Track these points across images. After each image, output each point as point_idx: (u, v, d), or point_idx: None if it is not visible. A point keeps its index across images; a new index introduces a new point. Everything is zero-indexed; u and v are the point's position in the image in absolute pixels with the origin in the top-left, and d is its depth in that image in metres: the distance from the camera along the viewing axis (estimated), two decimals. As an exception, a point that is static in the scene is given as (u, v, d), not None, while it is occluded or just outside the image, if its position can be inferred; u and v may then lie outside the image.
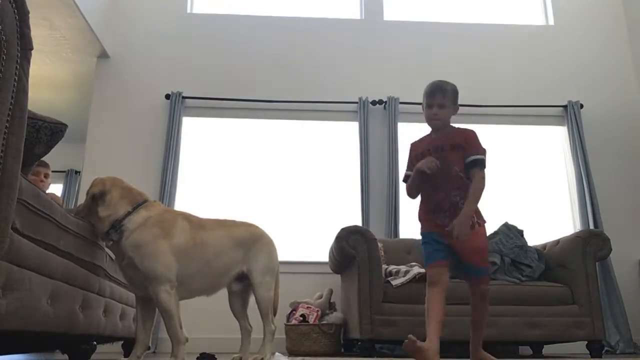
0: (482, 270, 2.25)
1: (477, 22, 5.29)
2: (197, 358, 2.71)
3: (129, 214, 2.03)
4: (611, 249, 3.43)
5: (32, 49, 1.38)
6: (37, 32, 4.29)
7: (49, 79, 5.23)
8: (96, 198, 2.02)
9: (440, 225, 2.24)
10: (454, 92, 2.34)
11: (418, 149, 2.39)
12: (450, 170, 2.24)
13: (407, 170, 2.43)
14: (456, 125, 2.37)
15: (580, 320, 3.27)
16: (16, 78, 1.31)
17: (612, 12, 5.34)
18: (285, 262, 3.79)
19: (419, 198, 2.38)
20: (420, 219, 2.37)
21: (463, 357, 2.58)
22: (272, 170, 4.72)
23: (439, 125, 2.33)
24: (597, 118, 4.94)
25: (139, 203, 2.07)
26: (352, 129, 4.79)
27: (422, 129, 2.48)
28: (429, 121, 2.35)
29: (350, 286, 3.46)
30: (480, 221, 2.26)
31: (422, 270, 3.34)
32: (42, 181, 3.53)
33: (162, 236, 2.02)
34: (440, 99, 2.30)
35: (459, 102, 2.33)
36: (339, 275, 3.95)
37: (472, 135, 2.32)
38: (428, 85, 2.35)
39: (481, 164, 2.25)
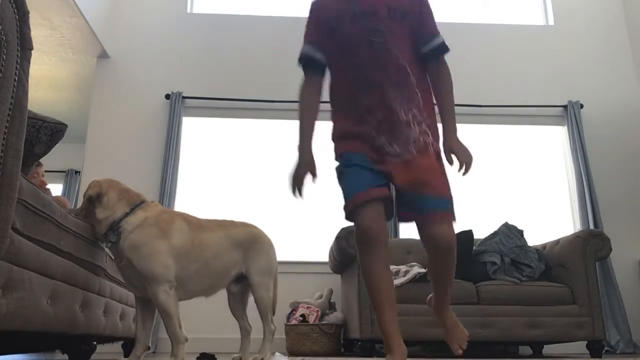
0: (440, 202, 1.46)
1: (477, 22, 5.28)
2: (197, 358, 2.71)
3: (126, 215, 2.02)
4: (611, 249, 3.43)
5: (32, 49, 1.38)
6: (37, 32, 4.29)
7: (49, 79, 5.23)
8: (93, 200, 2.02)
9: (370, 145, 1.48)
10: None
11: (329, 10, 1.62)
12: (388, 56, 1.47)
13: (305, 43, 1.69)
14: None
15: (580, 320, 3.27)
16: (16, 78, 1.31)
17: (612, 12, 5.33)
18: (285, 262, 3.81)
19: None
20: (335, 137, 1.65)
21: (463, 357, 2.58)
22: (272, 170, 4.71)
23: None
24: (597, 118, 4.94)
25: (136, 204, 2.07)
26: (352, 129, 4.78)
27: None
28: None
29: (350, 286, 3.46)
30: (436, 143, 1.54)
31: (423, 270, 3.34)
32: (45, 182, 3.50)
33: (160, 237, 2.02)
34: None
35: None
36: (339, 275, 3.95)
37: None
38: None
39: (445, 49, 1.56)
